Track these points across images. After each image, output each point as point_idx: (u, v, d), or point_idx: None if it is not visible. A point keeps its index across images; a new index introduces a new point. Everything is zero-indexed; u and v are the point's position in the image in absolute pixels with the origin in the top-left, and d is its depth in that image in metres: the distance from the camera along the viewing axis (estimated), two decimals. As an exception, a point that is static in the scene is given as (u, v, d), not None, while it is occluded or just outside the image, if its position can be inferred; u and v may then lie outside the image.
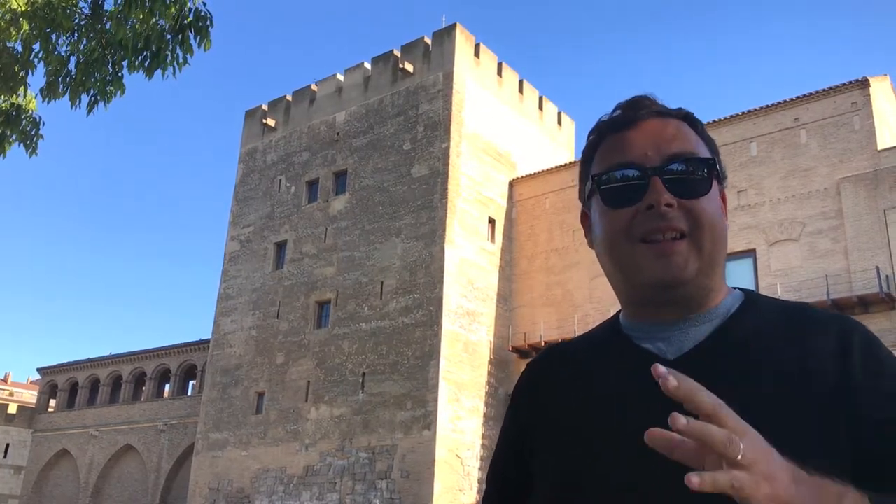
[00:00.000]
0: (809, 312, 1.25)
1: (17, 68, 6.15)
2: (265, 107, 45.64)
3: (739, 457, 0.88)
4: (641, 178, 1.23)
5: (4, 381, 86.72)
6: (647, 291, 1.24)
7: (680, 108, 1.33)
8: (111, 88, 5.98)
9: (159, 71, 5.84)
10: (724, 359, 1.19)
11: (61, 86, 5.91)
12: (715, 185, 1.26)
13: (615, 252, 1.25)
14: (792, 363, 1.16)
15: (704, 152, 1.28)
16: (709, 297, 1.25)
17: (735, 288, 1.32)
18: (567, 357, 1.39)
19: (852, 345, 1.18)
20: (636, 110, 1.30)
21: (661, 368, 0.92)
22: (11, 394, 77.09)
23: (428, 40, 39.56)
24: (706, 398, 0.90)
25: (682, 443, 0.89)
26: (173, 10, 5.83)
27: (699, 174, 1.23)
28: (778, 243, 30.97)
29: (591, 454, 1.20)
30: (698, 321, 1.24)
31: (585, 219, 1.35)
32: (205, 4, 6.19)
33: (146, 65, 5.75)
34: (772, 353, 1.18)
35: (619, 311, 1.37)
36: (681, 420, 0.88)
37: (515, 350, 36.32)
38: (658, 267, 1.20)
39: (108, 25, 6.11)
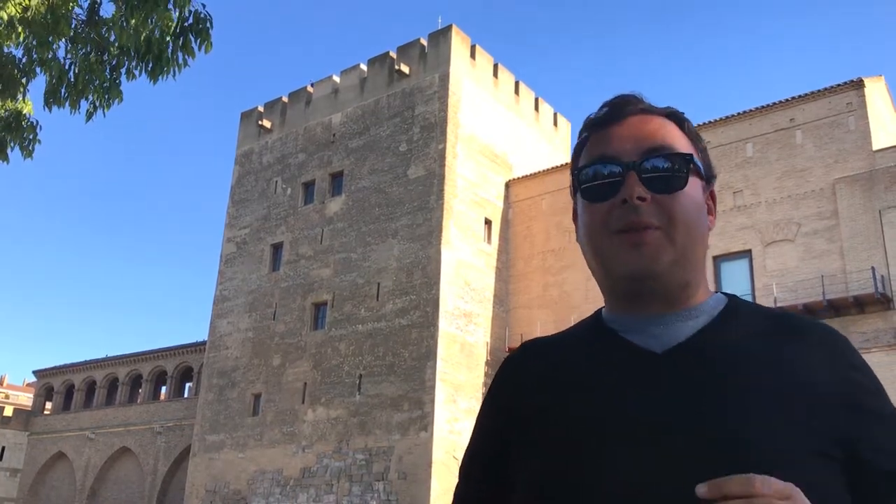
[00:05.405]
0: (793, 320, 1.27)
1: (16, 74, 6.14)
2: (261, 108, 45.61)
3: None
4: (618, 172, 1.24)
5: (0, 383, 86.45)
6: (623, 283, 1.26)
7: (667, 107, 1.34)
8: (109, 96, 5.98)
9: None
10: (711, 356, 1.19)
11: (63, 92, 5.91)
12: (695, 181, 1.27)
13: (594, 244, 1.27)
14: (777, 366, 1.17)
15: (685, 148, 1.28)
16: (687, 292, 1.26)
17: (717, 292, 1.33)
18: (547, 351, 1.37)
19: (835, 354, 1.21)
20: (621, 107, 1.32)
21: (702, 488, 0.99)
22: (7, 396, 76.84)
23: (424, 42, 39.56)
24: (736, 486, 0.97)
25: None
26: (171, 14, 5.83)
27: (676, 169, 1.24)
28: (774, 244, 31.03)
29: (576, 446, 1.18)
30: (684, 317, 1.25)
31: (576, 215, 1.36)
32: (204, 7, 6.20)
33: (149, 68, 5.75)
34: (757, 355, 1.19)
35: (600, 308, 1.38)
36: (700, 489, 0.97)
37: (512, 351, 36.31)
38: (631, 257, 1.22)
39: (104, 31, 6.11)
